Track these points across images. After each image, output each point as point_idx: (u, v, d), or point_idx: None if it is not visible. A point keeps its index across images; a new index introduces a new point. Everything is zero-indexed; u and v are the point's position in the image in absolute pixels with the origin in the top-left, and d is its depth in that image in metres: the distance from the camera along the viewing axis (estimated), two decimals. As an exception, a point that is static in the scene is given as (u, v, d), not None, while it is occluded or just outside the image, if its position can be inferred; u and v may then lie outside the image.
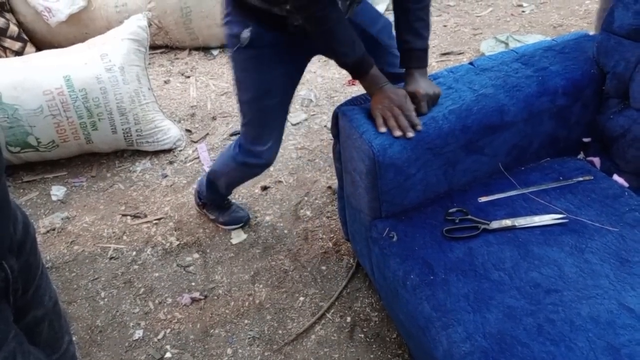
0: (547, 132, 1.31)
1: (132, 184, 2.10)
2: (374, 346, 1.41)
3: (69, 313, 1.58)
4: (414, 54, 1.20)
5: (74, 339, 1.48)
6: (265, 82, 1.29)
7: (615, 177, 1.28)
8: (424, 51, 1.20)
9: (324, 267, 1.66)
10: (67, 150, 2.12)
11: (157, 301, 1.60)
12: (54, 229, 1.90)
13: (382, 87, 1.16)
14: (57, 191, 2.06)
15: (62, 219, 1.94)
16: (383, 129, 1.13)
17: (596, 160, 1.34)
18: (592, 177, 1.25)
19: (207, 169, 2.12)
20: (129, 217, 1.93)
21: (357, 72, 1.17)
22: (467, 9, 3.33)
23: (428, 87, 1.17)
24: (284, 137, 1.49)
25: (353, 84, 2.62)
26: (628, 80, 1.22)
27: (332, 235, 1.77)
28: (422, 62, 1.20)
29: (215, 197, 1.73)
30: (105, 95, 2.01)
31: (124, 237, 1.85)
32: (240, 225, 1.81)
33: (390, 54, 1.33)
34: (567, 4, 3.20)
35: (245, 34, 1.19)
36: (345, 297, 1.56)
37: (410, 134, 1.12)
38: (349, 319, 1.49)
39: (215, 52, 3.06)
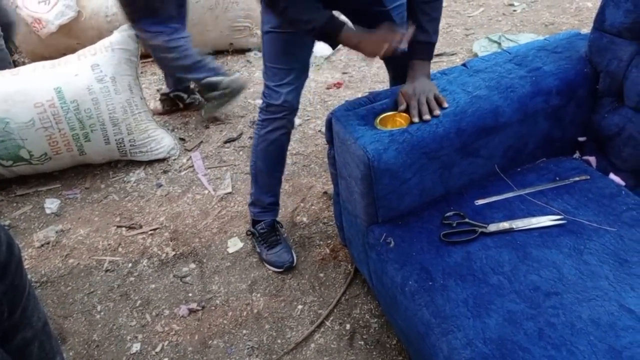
0: (542, 132, 1.30)
1: (126, 194, 2.08)
2: (374, 353, 1.39)
3: (64, 328, 1.56)
4: (416, 45, 1.23)
5: (70, 354, 1.46)
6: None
7: (612, 176, 1.27)
8: (426, 44, 1.24)
9: (321, 274, 1.64)
10: (60, 162, 2.10)
11: (154, 313, 1.58)
12: (48, 243, 1.88)
13: (363, 34, 1.20)
14: (51, 204, 2.04)
15: (56, 232, 1.92)
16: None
17: (592, 160, 1.34)
18: (589, 177, 1.24)
19: (202, 177, 2.11)
20: (124, 229, 1.91)
21: (329, 35, 1.21)
22: (458, 9, 3.33)
23: (420, 87, 1.21)
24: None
25: (340, 86, 2.62)
26: (622, 78, 1.22)
27: (329, 242, 1.75)
28: (424, 54, 1.25)
29: (258, 201, 1.68)
30: (97, 106, 2.00)
31: (120, 249, 1.83)
32: (280, 269, 1.66)
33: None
34: (558, 2, 3.21)
35: None
36: (344, 303, 1.54)
37: None
38: (348, 326, 1.47)
39: (207, 59, 3.05)
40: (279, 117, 1.48)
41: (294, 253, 1.68)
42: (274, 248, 1.67)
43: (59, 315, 1.60)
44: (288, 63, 1.42)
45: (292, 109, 1.48)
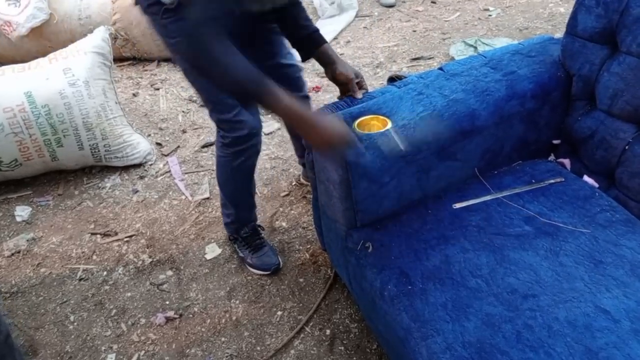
0: (517, 135, 1.32)
1: (101, 200, 2.03)
2: (354, 358, 1.38)
3: (36, 339, 1.51)
4: (314, 36, 1.30)
5: (41, 367, 1.41)
6: None
7: (586, 177, 1.29)
8: (317, 32, 1.32)
9: (301, 279, 1.63)
10: (31, 168, 2.04)
11: (129, 322, 1.54)
12: (19, 252, 1.82)
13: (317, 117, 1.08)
14: (22, 211, 1.98)
15: (27, 240, 1.86)
16: None
17: (566, 162, 1.36)
18: (563, 179, 1.26)
19: (179, 183, 2.07)
20: (98, 236, 1.87)
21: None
22: (435, 13, 3.36)
23: (351, 68, 1.29)
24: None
25: (318, 90, 2.61)
26: (594, 82, 1.24)
27: (308, 246, 1.74)
28: (323, 39, 1.32)
29: (238, 221, 1.64)
30: (70, 110, 1.95)
31: (94, 257, 1.78)
32: (267, 272, 1.64)
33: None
34: (532, 7, 3.27)
35: None
36: (324, 309, 1.53)
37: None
38: (328, 331, 1.46)
39: (184, 63, 3.01)
40: (250, 144, 1.39)
41: (278, 256, 1.67)
42: (259, 251, 1.65)
43: (30, 327, 1.55)
44: None
45: (258, 131, 1.40)
